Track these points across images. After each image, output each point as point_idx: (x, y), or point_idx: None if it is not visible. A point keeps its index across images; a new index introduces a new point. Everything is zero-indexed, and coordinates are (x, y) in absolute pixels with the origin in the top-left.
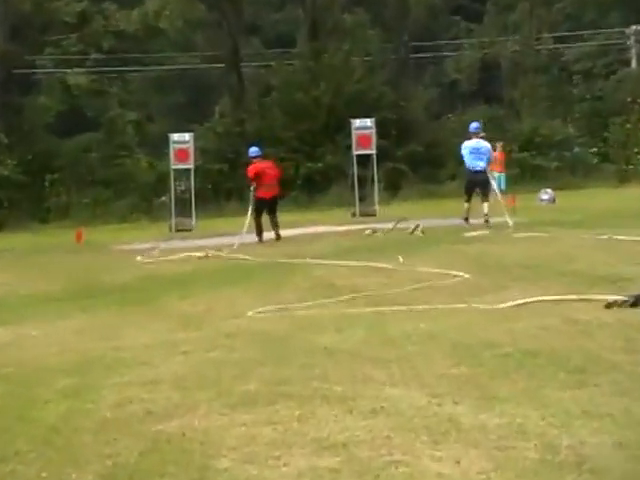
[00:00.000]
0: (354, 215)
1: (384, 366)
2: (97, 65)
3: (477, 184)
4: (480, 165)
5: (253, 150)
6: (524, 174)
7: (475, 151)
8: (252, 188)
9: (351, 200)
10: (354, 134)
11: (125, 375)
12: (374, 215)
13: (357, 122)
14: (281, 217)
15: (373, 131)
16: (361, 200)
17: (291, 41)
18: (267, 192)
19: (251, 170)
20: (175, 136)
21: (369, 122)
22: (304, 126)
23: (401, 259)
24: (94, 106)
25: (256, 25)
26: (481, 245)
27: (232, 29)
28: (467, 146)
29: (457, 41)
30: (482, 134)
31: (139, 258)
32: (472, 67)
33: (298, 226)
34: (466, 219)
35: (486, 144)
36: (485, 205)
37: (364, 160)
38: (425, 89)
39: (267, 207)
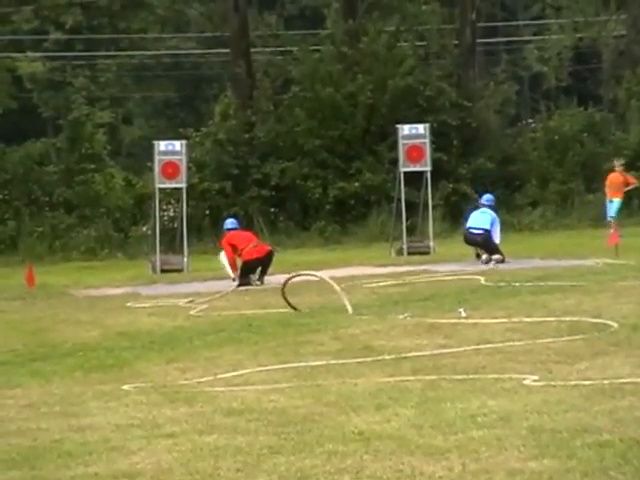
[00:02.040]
0: (400, 253)
1: (439, 457)
2: (58, 49)
3: (476, 244)
4: (477, 228)
5: (231, 222)
6: (631, 200)
7: (479, 212)
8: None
9: (396, 233)
10: (401, 144)
11: (90, 466)
12: (427, 253)
13: (406, 129)
14: (304, 255)
15: (427, 141)
16: (410, 233)
17: (319, 19)
18: (256, 251)
19: (224, 243)
20: (162, 144)
21: (422, 129)
22: (335, 133)
23: (463, 312)
24: (53, 103)
25: None
26: (574, 296)
27: (239, 2)
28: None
29: (542, 21)
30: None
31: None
32: (562, 56)
33: (326, 267)
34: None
35: (492, 213)
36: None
37: (415, 179)
38: (498, 85)
39: (260, 266)
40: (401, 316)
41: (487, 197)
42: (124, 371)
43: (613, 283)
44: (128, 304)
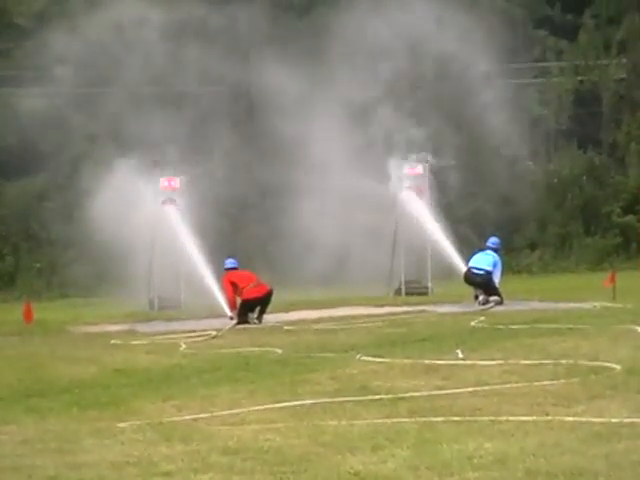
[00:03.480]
0: (398, 293)
1: None
2: (61, 84)
3: (476, 285)
4: (479, 268)
5: (230, 261)
6: (628, 243)
7: (482, 255)
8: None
9: (394, 272)
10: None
11: None
12: (425, 294)
13: (405, 168)
14: (297, 294)
15: (426, 179)
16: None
17: None
18: (257, 290)
19: (225, 281)
20: (163, 181)
21: (421, 168)
22: None
23: (461, 354)
24: (52, 139)
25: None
26: (572, 341)
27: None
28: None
29: (542, 64)
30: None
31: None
32: (562, 99)
33: (322, 307)
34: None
35: (495, 255)
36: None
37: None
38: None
39: (260, 305)
40: (357, 356)
41: (493, 240)
42: (120, 408)
43: (611, 327)
44: (115, 341)
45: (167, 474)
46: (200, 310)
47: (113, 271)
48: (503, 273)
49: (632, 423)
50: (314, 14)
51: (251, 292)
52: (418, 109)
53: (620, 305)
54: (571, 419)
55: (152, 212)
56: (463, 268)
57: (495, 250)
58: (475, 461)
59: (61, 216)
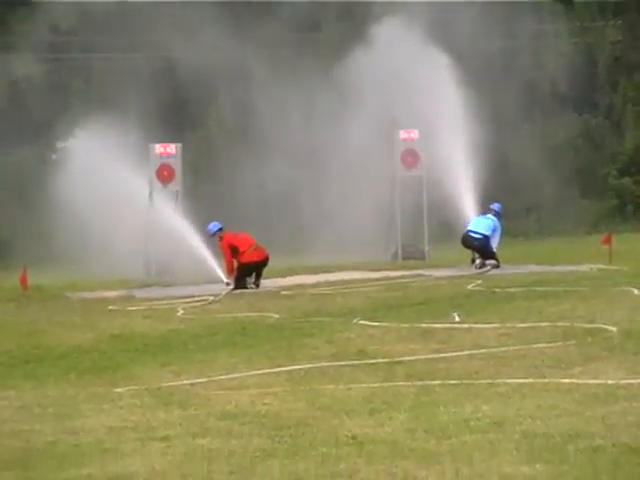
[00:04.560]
0: (395, 257)
1: (432, 462)
2: (53, 51)
3: (473, 248)
4: (476, 232)
5: (214, 225)
6: (625, 206)
7: (480, 219)
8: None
9: (390, 237)
10: (399, 149)
11: (83, 467)
12: (423, 259)
13: (401, 133)
14: (288, 261)
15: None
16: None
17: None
18: (258, 254)
19: (227, 246)
20: (158, 147)
21: (416, 132)
22: None
23: (457, 317)
24: (47, 107)
25: None
26: (569, 303)
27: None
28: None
29: (538, 26)
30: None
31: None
32: (557, 62)
33: (319, 272)
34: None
35: (495, 220)
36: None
37: (412, 184)
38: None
39: (256, 272)
40: (354, 320)
41: (497, 205)
42: (118, 374)
43: (607, 289)
44: (112, 307)
45: (165, 438)
46: (196, 276)
47: (106, 239)
48: (502, 238)
49: (628, 385)
50: None
51: (252, 255)
52: None
53: (616, 267)
54: (568, 381)
55: (147, 179)
56: (468, 226)
57: (497, 215)
58: (472, 424)
59: (54, 182)
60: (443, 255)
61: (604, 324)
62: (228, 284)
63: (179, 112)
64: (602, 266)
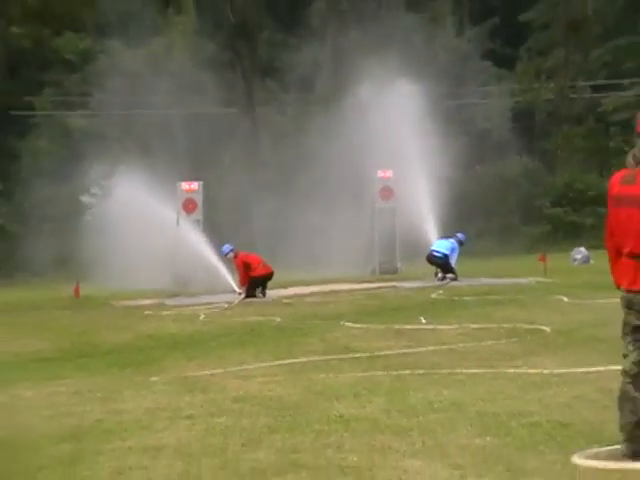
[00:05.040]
0: (374, 272)
1: (404, 435)
2: (99, 107)
3: (435, 264)
4: (438, 251)
5: (227, 247)
6: (557, 231)
7: (442, 241)
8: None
9: (370, 256)
10: (377, 186)
11: (125, 440)
12: (395, 273)
13: (379, 172)
14: (288, 276)
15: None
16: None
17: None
18: (265, 269)
19: (240, 263)
20: (184, 185)
21: (390, 173)
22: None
23: (423, 320)
24: (96, 151)
25: (271, 66)
26: (512, 309)
27: (245, 70)
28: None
29: (487, 88)
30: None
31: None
32: (503, 116)
33: (313, 284)
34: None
35: (455, 243)
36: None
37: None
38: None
39: (262, 284)
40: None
41: (461, 235)
42: (152, 366)
43: (543, 297)
44: (148, 312)
45: (190, 417)
46: (214, 287)
47: (142, 257)
48: (459, 257)
49: (560, 373)
50: None
51: (261, 270)
52: None
53: (550, 280)
54: (512, 371)
55: (175, 210)
56: (431, 248)
57: (460, 242)
58: (435, 405)
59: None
60: (412, 270)
61: (540, 325)
62: (240, 294)
63: (201, 156)
64: (539, 279)
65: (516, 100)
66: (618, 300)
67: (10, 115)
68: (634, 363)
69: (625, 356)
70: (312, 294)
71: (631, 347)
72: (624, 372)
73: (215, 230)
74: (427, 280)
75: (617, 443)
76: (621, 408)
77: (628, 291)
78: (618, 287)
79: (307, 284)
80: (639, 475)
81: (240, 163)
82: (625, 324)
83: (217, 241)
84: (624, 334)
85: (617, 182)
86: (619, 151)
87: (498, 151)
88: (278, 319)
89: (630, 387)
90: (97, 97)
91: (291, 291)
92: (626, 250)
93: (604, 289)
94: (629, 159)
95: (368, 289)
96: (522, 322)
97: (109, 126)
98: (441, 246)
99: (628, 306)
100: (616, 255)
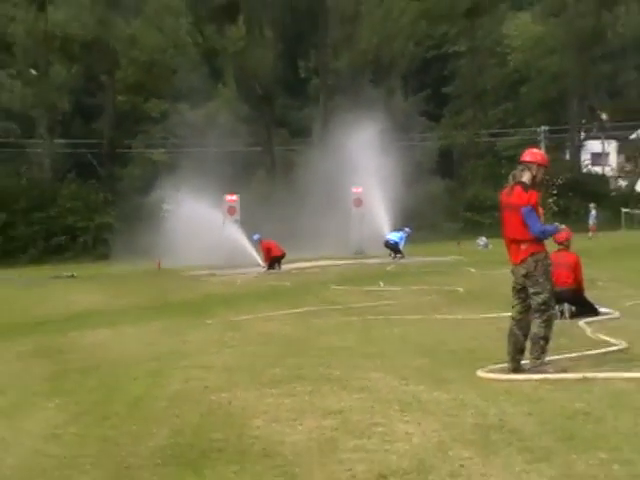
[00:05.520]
0: (352, 253)
1: (369, 358)
2: (173, 147)
3: (389, 248)
4: (392, 239)
5: (256, 236)
6: (467, 227)
7: (395, 232)
8: (266, 262)
9: (349, 243)
10: (352, 197)
11: (190, 361)
12: (364, 254)
13: (353, 189)
14: (295, 256)
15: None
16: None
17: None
18: (280, 251)
19: (265, 248)
20: (227, 197)
21: (361, 189)
22: None
23: (382, 285)
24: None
25: (284, 120)
26: (438, 277)
27: (267, 122)
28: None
29: (423, 134)
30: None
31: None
32: (433, 153)
33: (312, 260)
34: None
35: (403, 234)
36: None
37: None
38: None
39: (278, 261)
40: (331, 286)
41: (408, 229)
42: (207, 313)
43: (458, 269)
44: (204, 279)
45: (231, 346)
46: (246, 263)
47: (201, 244)
48: (406, 243)
49: (469, 318)
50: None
51: (277, 252)
52: None
53: (463, 258)
54: (440, 317)
55: (221, 213)
56: (385, 236)
57: (408, 233)
58: (389, 338)
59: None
60: (374, 252)
61: (457, 287)
62: (263, 267)
63: (238, 179)
64: (456, 257)
65: (441, 143)
66: (508, 271)
67: (116, 152)
68: (518, 312)
69: (513, 307)
70: (310, 267)
71: (516, 301)
72: (512, 317)
73: (247, 226)
74: (384, 258)
75: (504, 362)
76: (509, 341)
77: (513, 264)
78: (510, 262)
79: (307, 261)
80: (518, 382)
81: (263, 183)
82: (513, 286)
83: (248, 232)
84: (513, 292)
85: (503, 194)
86: (507, 175)
87: (429, 175)
88: (288, 284)
89: (515, 327)
90: (171, 141)
91: (297, 265)
92: (509, 236)
93: (498, 264)
94: (510, 178)
95: (346, 264)
96: (445, 285)
97: (179, 159)
98: (393, 236)
99: (511, 272)
100: (509, 242)
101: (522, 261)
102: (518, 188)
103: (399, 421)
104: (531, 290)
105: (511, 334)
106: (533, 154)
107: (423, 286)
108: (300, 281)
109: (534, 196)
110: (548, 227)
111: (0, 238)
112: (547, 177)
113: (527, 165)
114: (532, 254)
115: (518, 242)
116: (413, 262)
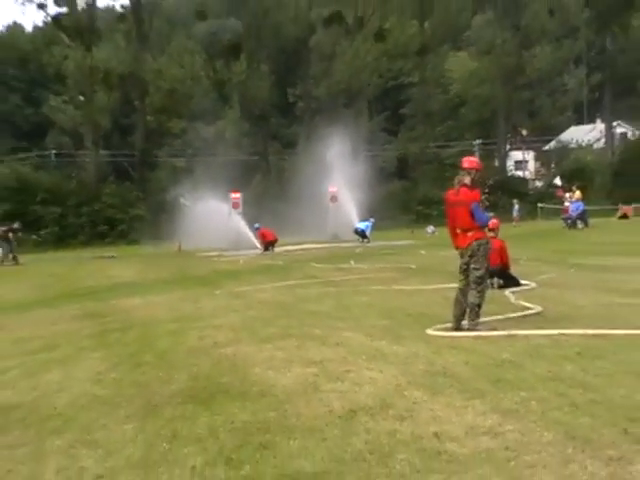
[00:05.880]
0: (328, 238)
1: (342, 320)
2: (190, 156)
3: (358, 234)
4: (360, 227)
5: (257, 225)
6: (419, 218)
7: (362, 222)
8: (263, 246)
9: (326, 230)
10: (329, 195)
11: (203, 322)
12: (338, 239)
13: (330, 188)
14: (285, 240)
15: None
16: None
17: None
18: (274, 236)
19: (261, 234)
20: (232, 194)
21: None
22: None
23: (353, 263)
24: (187, 177)
25: (277, 135)
26: (396, 257)
27: (264, 137)
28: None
29: (384, 146)
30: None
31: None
32: (393, 161)
33: (298, 244)
34: (358, 239)
35: (369, 223)
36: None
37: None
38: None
39: (272, 245)
40: (312, 264)
41: (374, 219)
42: (216, 285)
43: (412, 250)
44: (214, 259)
45: (236, 311)
46: (247, 246)
47: (211, 231)
48: (371, 231)
49: (421, 288)
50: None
51: (271, 237)
52: None
53: (415, 242)
54: (397, 287)
55: (228, 207)
56: (354, 225)
57: (372, 222)
58: (358, 304)
59: (190, 207)
60: (346, 238)
61: (410, 265)
62: (261, 250)
63: (241, 180)
64: (410, 242)
65: (398, 153)
66: (454, 252)
67: (146, 160)
68: (463, 285)
69: (460, 280)
70: (296, 250)
71: (462, 277)
72: (459, 288)
73: (248, 217)
74: (354, 242)
75: (448, 323)
76: (455, 306)
77: (458, 247)
78: (455, 247)
79: (294, 245)
80: (459, 338)
81: (260, 184)
82: (460, 265)
83: (250, 222)
84: (460, 270)
85: (450, 194)
86: (450, 178)
87: (389, 178)
88: (281, 262)
89: (459, 295)
90: (188, 151)
91: (287, 248)
92: (458, 226)
93: (442, 246)
94: (455, 181)
95: (324, 247)
96: (401, 263)
97: (194, 165)
98: (361, 225)
99: (460, 255)
100: (452, 231)
101: (468, 245)
102: (464, 189)
103: (366, 369)
104: (472, 266)
105: (457, 301)
106: (471, 162)
107: (384, 264)
108: (288, 260)
109: (478, 194)
110: (486, 217)
111: (57, 227)
112: (481, 179)
113: (467, 170)
114: (477, 239)
115: (465, 230)
116: (376, 245)
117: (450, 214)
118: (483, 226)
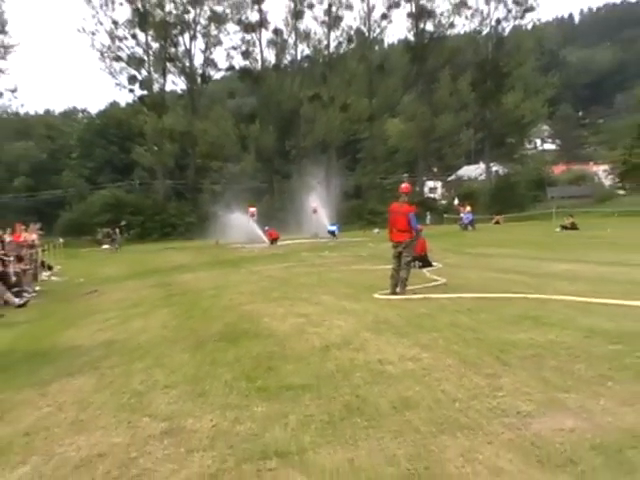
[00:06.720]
0: (311, 236)
1: (321, 289)
2: (223, 184)
3: (329, 234)
4: (331, 229)
5: (266, 227)
6: (369, 224)
7: (332, 225)
8: (269, 241)
9: (310, 231)
10: (311, 207)
11: (231, 290)
12: (318, 237)
13: (312, 203)
14: (284, 237)
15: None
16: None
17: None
18: (277, 235)
19: (268, 233)
20: (250, 208)
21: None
22: None
23: (327, 252)
24: (220, 198)
25: (279, 171)
26: (354, 249)
27: (270, 172)
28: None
29: (347, 177)
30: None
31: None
32: (351, 186)
33: (292, 239)
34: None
35: (337, 226)
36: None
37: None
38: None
39: (276, 241)
40: (302, 254)
41: (338, 225)
42: (239, 266)
43: (364, 244)
44: (236, 248)
45: (252, 282)
46: (260, 241)
47: (236, 231)
48: (339, 232)
49: (372, 268)
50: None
51: (275, 235)
52: None
53: (367, 239)
54: (355, 268)
55: (247, 216)
56: (327, 227)
57: (339, 225)
58: (332, 279)
59: (223, 216)
60: (323, 236)
61: (362, 253)
62: (268, 244)
63: (254, 198)
64: (364, 239)
65: (355, 182)
66: (390, 244)
67: (195, 187)
68: (396, 265)
69: (393, 263)
70: (291, 244)
71: (395, 261)
72: (393, 268)
73: (260, 223)
74: (328, 239)
75: (387, 290)
76: (390, 279)
77: (393, 241)
78: (391, 241)
79: (290, 240)
80: (394, 300)
81: (268, 202)
82: (394, 254)
83: (262, 225)
84: (393, 256)
85: (395, 206)
86: (390, 198)
87: (349, 198)
88: (281, 252)
89: (394, 272)
90: (223, 181)
91: (285, 242)
92: (397, 228)
93: (384, 241)
94: (400, 199)
95: (309, 242)
96: (357, 252)
97: (226, 190)
98: (332, 227)
99: (393, 247)
100: (391, 230)
101: (403, 240)
102: (405, 204)
103: (336, 319)
104: (404, 254)
105: (392, 276)
106: (406, 187)
107: (347, 253)
108: (286, 250)
109: (413, 208)
110: (418, 225)
111: (139, 229)
112: (410, 199)
113: (405, 193)
114: (409, 237)
115: (402, 231)
116: (342, 241)
117: (392, 219)
118: (416, 230)
